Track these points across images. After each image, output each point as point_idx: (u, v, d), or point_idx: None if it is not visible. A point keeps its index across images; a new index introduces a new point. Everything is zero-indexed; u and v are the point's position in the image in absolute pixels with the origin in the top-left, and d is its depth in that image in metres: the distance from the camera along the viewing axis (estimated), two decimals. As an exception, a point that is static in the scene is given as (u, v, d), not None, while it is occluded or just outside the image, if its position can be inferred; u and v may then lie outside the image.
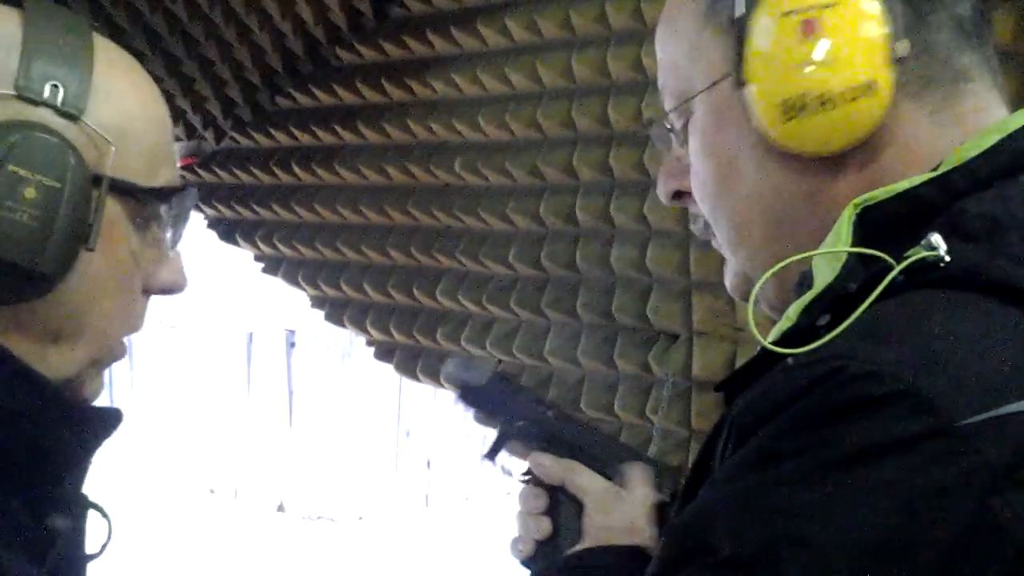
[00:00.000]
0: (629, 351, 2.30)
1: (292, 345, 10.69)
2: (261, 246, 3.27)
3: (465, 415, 1.52)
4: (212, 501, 10.78)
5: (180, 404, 11.03)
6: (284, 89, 3.12)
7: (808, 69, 0.88)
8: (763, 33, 0.90)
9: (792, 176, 0.93)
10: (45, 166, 0.91)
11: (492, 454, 1.47)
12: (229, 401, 10.85)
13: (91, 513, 1.05)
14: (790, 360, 0.80)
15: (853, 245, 0.83)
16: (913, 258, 0.79)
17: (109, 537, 1.06)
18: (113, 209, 0.97)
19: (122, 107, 0.99)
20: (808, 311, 0.82)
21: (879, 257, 0.81)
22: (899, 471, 0.72)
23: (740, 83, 0.92)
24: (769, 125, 0.91)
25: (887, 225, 0.83)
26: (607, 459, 1.35)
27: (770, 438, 0.77)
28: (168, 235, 1.04)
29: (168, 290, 1.06)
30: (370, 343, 3.04)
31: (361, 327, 3.01)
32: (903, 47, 0.87)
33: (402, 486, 10.09)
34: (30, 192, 0.90)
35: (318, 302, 3.19)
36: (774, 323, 0.88)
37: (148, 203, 1.00)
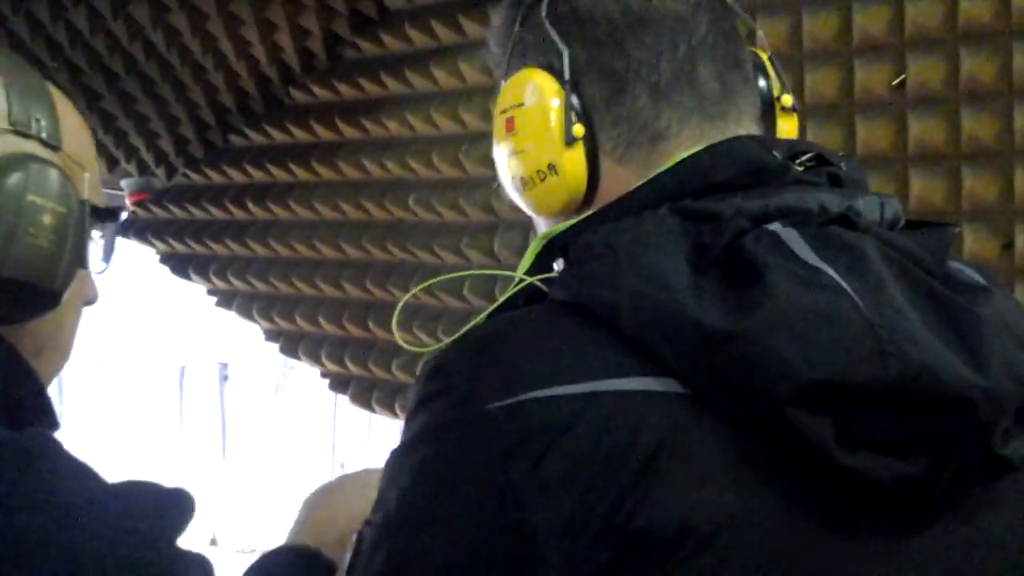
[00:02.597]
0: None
1: (225, 378, 10.65)
2: (215, 280, 3.32)
3: None
4: (144, 536, 10.67)
5: (111, 439, 10.95)
6: (237, 127, 3.19)
7: (512, 157, 1.09)
8: (495, 127, 1.12)
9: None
10: (55, 194, 0.99)
11: None
12: (161, 435, 10.78)
13: None
14: None
15: (531, 267, 1.01)
16: (540, 276, 0.99)
17: None
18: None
19: (80, 138, 1.08)
20: (489, 317, 1.01)
21: (523, 277, 1.01)
22: (440, 446, 0.90)
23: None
24: (516, 199, 1.11)
25: (557, 251, 1.00)
26: None
27: None
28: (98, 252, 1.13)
29: (92, 302, 1.14)
30: (324, 375, 3.10)
31: (316, 359, 3.07)
32: (578, 130, 1.03)
33: (337, 518, 10.07)
34: (47, 219, 0.98)
35: (272, 335, 3.25)
36: None
37: (106, 223, 1.10)
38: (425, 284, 1.24)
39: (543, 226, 1.12)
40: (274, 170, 3.10)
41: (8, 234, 0.96)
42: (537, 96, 1.05)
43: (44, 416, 1.06)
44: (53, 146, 1.02)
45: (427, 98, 2.72)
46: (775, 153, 0.99)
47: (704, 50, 1.04)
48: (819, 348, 0.83)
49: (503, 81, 1.12)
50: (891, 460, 0.85)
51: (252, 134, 3.16)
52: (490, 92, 2.60)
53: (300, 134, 3.03)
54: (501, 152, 1.10)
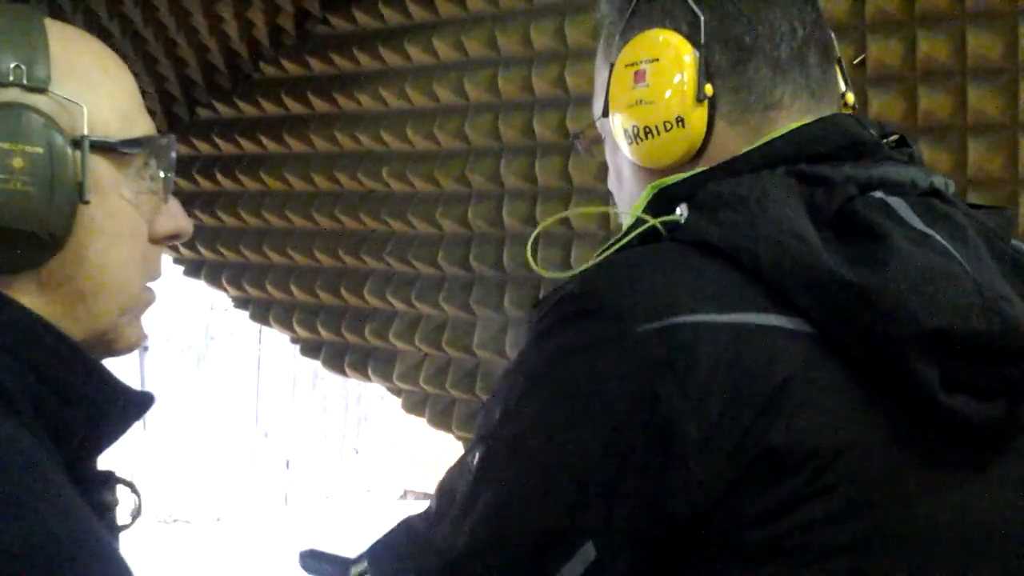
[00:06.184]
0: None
1: (145, 349, 10.61)
2: (181, 249, 3.38)
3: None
4: (64, 508, 10.58)
5: (29, 411, 10.82)
6: (203, 101, 3.26)
7: (637, 107, 1.17)
8: (616, 78, 1.20)
9: (652, 180, 1.18)
10: (25, 136, 0.98)
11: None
12: (80, 407, 10.69)
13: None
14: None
15: (645, 212, 1.10)
16: (661, 219, 1.08)
17: (140, 511, 1.13)
18: (99, 164, 1.05)
19: (85, 75, 1.07)
20: (604, 252, 1.11)
21: (647, 218, 1.10)
22: (590, 362, 0.99)
23: (605, 114, 1.22)
24: (624, 148, 1.20)
25: (672, 199, 1.09)
26: None
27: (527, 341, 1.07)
28: (161, 184, 1.12)
29: (173, 236, 1.13)
30: (295, 341, 3.19)
31: (287, 326, 3.16)
32: (709, 90, 1.14)
33: (261, 486, 10.12)
34: (18, 162, 0.97)
35: (241, 303, 3.33)
36: None
37: (129, 153, 1.07)
38: (562, 214, 1.29)
39: (635, 182, 1.22)
40: (244, 142, 3.17)
41: None
42: (673, 54, 1.14)
43: (97, 385, 1.04)
44: (37, 88, 1.01)
45: (400, 74, 2.82)
46: (871, 131, 1.12)
47: (813, 39, 1.17)
48: (936, 302, 0.94)
49: (618, 38, 1.21)
50: (979, 403, 0.97)
51: (221, 107, 3.23)
52: (464, 67, 2.73)
53: (271, 107, 3.11)
54: (622, 101, 1.19)
